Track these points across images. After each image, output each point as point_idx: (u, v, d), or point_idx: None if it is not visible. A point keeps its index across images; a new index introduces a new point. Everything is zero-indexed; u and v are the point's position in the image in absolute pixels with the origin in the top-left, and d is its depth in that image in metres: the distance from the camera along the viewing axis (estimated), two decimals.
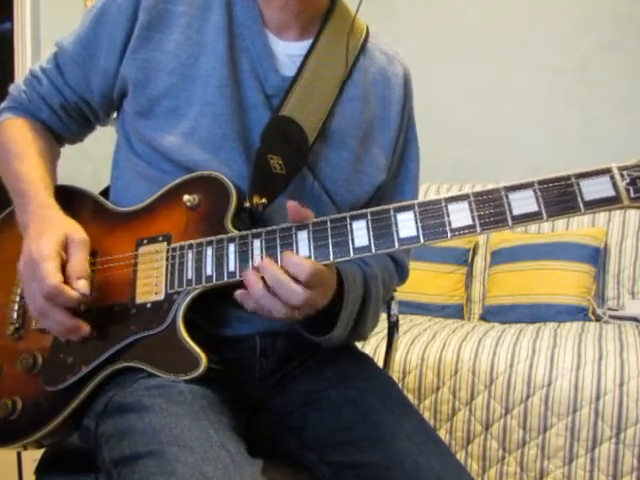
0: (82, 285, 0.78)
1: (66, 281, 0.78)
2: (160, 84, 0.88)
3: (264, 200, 0.85)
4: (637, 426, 1.70)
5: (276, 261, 0.75)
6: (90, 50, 0.92)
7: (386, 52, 1.02)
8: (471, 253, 2.69)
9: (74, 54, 0.94)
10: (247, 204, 0.84)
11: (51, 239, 0.80)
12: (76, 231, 0.83)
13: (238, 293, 0.76)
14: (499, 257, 2.59)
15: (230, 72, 0.88)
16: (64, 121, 0.99)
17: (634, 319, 2.31)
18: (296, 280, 0.72)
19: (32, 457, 0.97)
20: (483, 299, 2.64)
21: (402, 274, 1.05)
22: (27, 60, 2.42)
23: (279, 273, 0.73)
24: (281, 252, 0.75)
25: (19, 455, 1.08)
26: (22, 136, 0.95)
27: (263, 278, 0.74)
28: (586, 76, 2.85)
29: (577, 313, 2.33)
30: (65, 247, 0.81)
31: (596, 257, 2.45)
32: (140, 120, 0.90)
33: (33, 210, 0.86)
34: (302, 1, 0.91)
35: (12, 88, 1.01)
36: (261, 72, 0.90)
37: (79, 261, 0.80)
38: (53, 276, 0.76)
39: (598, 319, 2.36)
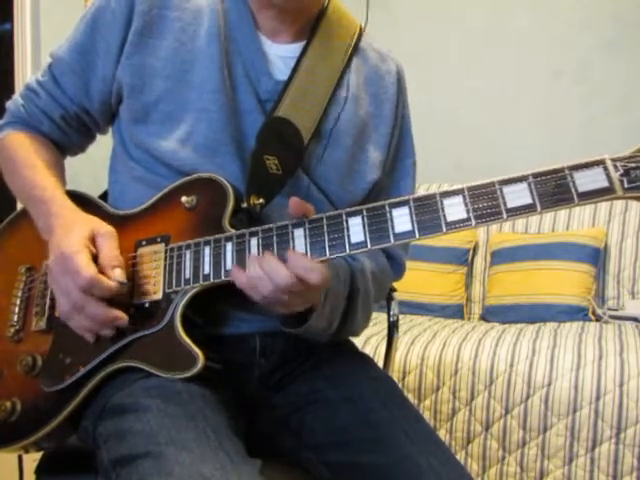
0: (118, 274, 0.78)
1: (101, 272, 0.78)
2: (155, 90, 0.88)
3: (261, 200, 0.85)
4: (637, 426, 1.70)
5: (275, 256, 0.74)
6: (87, 57, 0.92)
7: (379, 50, 1.03)
8: (471, 253, 2.69)
9: (71, 62, 0.93)
10: (244, 204, 0.85)
11: (79, 234, 0.80)
12: (102, 225, 0.83)
13: (234, 266, 0.76)
14: (499, 257, 2.59)
15: (224, 77, 0.88)
16: (66, 132, 0.99)
17: (634, 319, 2.31)
18: (302, 281, 0.72)
19: (33, 457, 0.97)
20: (483, 299, 2.64)
21: (398, 269, 1.05)
22: (27, 60, 2.42)
23: (271, 259, 0.73)
24: (290, 250, 0.74)
25: (20, 455, 1.08)
26: (27, 148, 0.95)
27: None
28: (586, 76, 2.86)
29: (577, 313, 2.33)
30: (93, 241, 0.81)
31: (596, 257, 2.45)
32: (136, 126, 0.90)
33: (55, 212, 0.85)
34: (294, 12, 0.91)
35: (10, 104, 1.00)
36: (254, 76, 0.90)
37: (110, 251, 0.80)
38: (88, 267, 0.76)
39: (598, 319, 2.36)
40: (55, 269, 0.80)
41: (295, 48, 0.93)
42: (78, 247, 0.78)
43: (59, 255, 0.79)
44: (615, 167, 0.64)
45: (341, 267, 0.88)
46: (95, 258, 0.79)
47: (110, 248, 0.80)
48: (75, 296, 0.77)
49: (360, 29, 1.00)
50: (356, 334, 0.97)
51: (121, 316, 0.79)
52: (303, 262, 0.72)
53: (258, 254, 0.76)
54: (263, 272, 0.73)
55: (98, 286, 0.76)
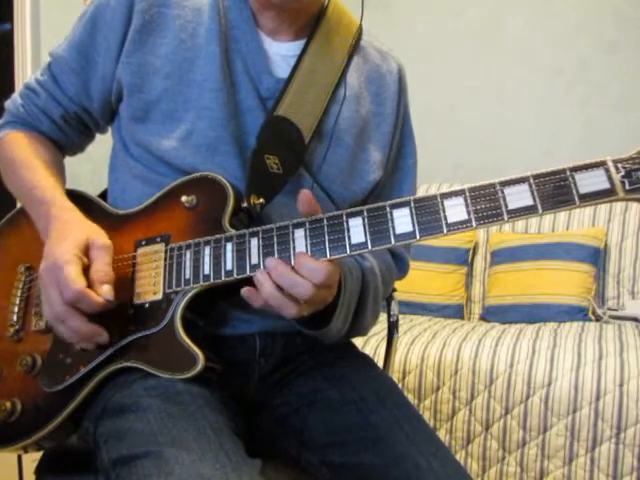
0: (106, 290, 0.77)
1: (89, 286, 0.76)
2: (155, 88, 0.88)
3: (262, 200, 0.85)
4: (637, 426, 1.70)
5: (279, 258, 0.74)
6: (87, 56, 0.92)
7: (379, 49, 1.03)
8: (471, 253, 2.69)
9: (71, 61, 0.93)
10: (245, 204, 0.85)
11: (72, 243, 0.79)
12: (98, 235, 0.82)
13: (245, 290, 0.75)
14: (499, 257, 2.59)
15: (225, 75, 0.88)
16: (65, 132, 0.99)
17: (634, 319, 2.31)
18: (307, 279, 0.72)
19: (32, 457, 0.97)
20: (483, 299, 2.64)
21: (403, 267, 1.05)
22: (27, 60, 2.42)
23: (287, 272, 0.72)
24: (295, 253, 0.74)
25: (19, 455, 1.08)
26: (26, 148, 0.95)
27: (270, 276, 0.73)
28: (586, 76, 2.86)
29: (577, 313, 2.33)
30: (87, 251, 0.80)
31: (596, 257, 2.45)
32: (136, 124, 0.90)
33: (54, 214, 0.85)
34: (293, 13, 0.91)
35: (8, 103, 1.00)
36: (255, 74, 0.90)
37: (102, 266, 0.79)
38: (77, 281, 0.75)
39: (598, 319, 2.37)
40: (44, 277, 0.79)
41: (296, 46, 0.93)
42: (69, 257, 0.77)
43: (50, 263, 0.78)
44: (616, 168, 0.64)
45: (353, 265, 0.88)
46: (86, 269, 0.78)
47: (103, 262, 0.79)
48: (58, 308, 0.77)
49: (360, 28, 1.00)
50: (364, 333, 0.97)
51: (101, 333, 0.79)
52: (308, 263, 0.72)
53: (258, 255, 0.76)
54: (285, 297, 0.72)
55: (85, 301, 0.76)
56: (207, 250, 0.80)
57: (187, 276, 0.80)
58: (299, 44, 0.93)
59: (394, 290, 1.18)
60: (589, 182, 0.64)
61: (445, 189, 0.70)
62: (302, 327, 0.85)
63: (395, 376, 1.97)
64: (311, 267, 0.71)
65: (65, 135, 1.00)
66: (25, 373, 0.87)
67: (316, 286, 0.72)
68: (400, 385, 1.98)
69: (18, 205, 0.99)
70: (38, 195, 0.88)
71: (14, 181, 0.94)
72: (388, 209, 0.71)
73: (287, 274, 0.72)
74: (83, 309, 0.77)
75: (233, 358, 0.88)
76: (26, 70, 2.42)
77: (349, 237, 0.72)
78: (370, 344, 2.04)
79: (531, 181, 0.66)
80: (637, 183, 0.63)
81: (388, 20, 3.06)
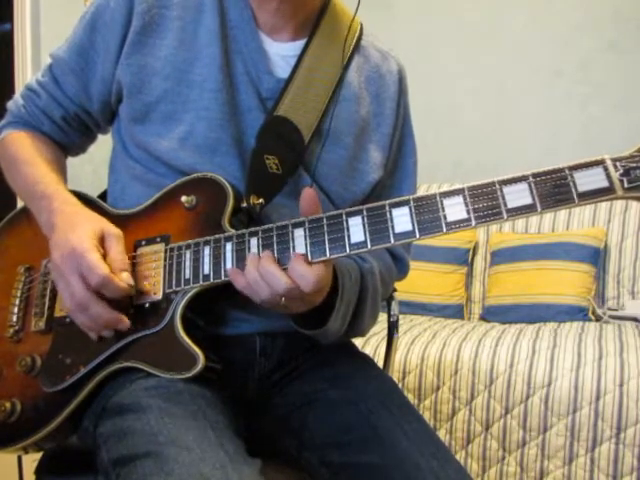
0: (127, 277, 0.78)
1: None
2: (155, 89, 0.88)
3: (261, 200, 0.85)
4: (637, 426, 1.70)
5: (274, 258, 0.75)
6: (87, 57, 0.92)
7: (380, 49, 1.03)
8: (471, 253, 2.69)
9: (71, 62, 0.93)
10: (244, 204, 0.85)
11: (88, 232, 0.79)
12: (111, 226, 0.83)
13: (230, 269, 0.76)
14: (499, 257, 2.59)
15: (225, 76, 0.88)
16: (66, 132, 1.00)
17: (634, 319, 2.31)
18: (296, 284, 0.72)
19: (32, 457, 0.97)
20: (483, 299, 2.64)
21: (402, 268, 1.05)
22: (27, 60, 2.42)
23: (274, 270, 0.72)
24: (293, 253, 0.74)
25: (20, 455, 1.08)
26: (29, 147, 0.95)
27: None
28: (586, 76, 2.85)
29: (577, 313, 2.33)
30: (101, 241, 0.81)
31: (596, 257, 2.45)
32: (136, 125, 0.90)
33: (57, 207, 0.85)
34: (295, 4, 0.91)
35: (10, 104, 1.01)
36: (255, 75, 0.90)
37: (119, 254, 0.80)
38: (103, 266, 0.76)
39: (598, 319, 2.37)
40: (64, 266, 0.79)
41: (296, 46, 0.93)
42: (88, 245, 0.77)
43: (69, 251, 0.78)
44: (615, 167, 0.64)
45: (351, 266, 0.88)
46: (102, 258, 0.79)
47: (118, 251, 0.80)
48: (80, 296, 0.77)
49: (361, 27, 1.00)
50: (363, 334, 0.97)
51: (123, 319, 0.79)
52: (299, 268, 0.72)
53: (258, 254, 0.76)
54: (260, 276, 0.73)
55: (110, 286, 0.76)
56: (207, 250, 0.80)
57: (187, 276, 0.80)
58: (299, 44, 0.93)
59: (394, 290, 1.18)
60: (588, 180, 0.64)
61: (445, 189, 0.70)
62: (299, 327, 0.85)
63: (395, 376, 1.97)
64: (302, 274, 0.72)
65: (66, 135, 1.00)
66: (25, 373, 0.87)
67: (301, 290, 0.72)
68: (400, 385, 1.98)
69: (18, 206, 0.99)
70: (40, 190, 0.89)
71: (16, 178, 0.94)
72: (387, 208, 0.71)
73: (274, 272, 0.72)
74: (107, 295, 0.77)
75: (233, 358, 0.88)
76: (26, 70, 2.42)
77: (349, 236, 0.72)
78: (370, 344, 2.04)
79: (530, 180, 0.66)
80: (636, 181, 0.63)
81: (388, 20, 3.06)
